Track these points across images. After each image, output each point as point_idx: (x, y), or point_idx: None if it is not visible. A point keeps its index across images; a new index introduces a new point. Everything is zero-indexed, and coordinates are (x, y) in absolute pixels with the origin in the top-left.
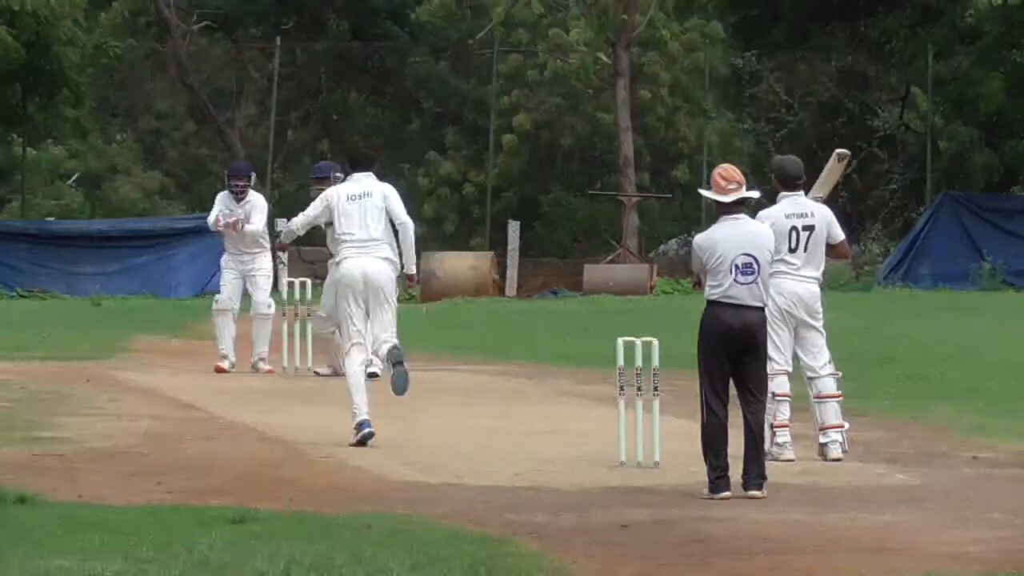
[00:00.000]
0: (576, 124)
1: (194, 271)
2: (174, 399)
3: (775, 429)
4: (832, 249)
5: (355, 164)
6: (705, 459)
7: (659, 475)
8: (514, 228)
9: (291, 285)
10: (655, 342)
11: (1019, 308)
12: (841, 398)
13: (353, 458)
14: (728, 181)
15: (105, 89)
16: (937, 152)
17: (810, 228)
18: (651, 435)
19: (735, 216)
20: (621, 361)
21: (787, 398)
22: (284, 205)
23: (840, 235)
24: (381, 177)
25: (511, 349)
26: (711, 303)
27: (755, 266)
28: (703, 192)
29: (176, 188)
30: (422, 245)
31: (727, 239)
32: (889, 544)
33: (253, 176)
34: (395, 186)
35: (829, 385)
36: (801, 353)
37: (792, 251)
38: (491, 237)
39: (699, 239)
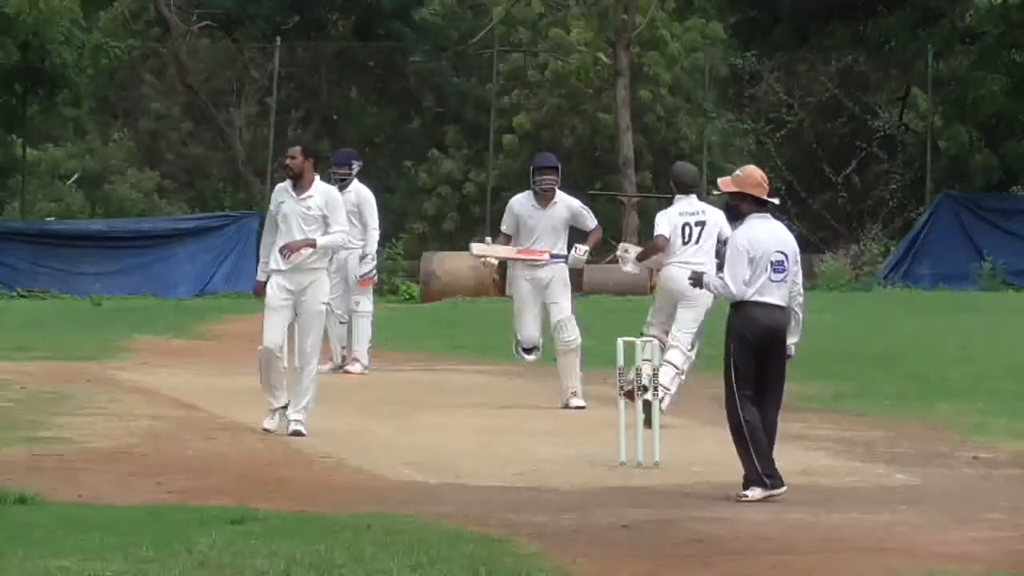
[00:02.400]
0: (576, 124)
1: (194, 271)
2: (174, 399)
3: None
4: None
5: None
6: (758, 460)
7: (659, 475)
8: None
9: None
10: (655, 342)
11: (1019, 308)
12: (682, 372)
13: (353, 458)
14: (765, 180)
15: (105, 89)
16: (937, 152)
17: (702, 224)
18: (651, 435)
19: (764, 215)
20: (621, 361)
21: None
22: None
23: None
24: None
25: (511, 349)
26: (745, 303)
27: (785, 264)
28: (748, 190)
29: (175, 188)
30: (422, 245)
31: (764, 237)
32: (889, 544)
33: (559, 168)
34: (396, 183)
35: (676, 356)
36: (674, 325)
37: (685, 244)
38: (491, 237)
39: (741, 238)
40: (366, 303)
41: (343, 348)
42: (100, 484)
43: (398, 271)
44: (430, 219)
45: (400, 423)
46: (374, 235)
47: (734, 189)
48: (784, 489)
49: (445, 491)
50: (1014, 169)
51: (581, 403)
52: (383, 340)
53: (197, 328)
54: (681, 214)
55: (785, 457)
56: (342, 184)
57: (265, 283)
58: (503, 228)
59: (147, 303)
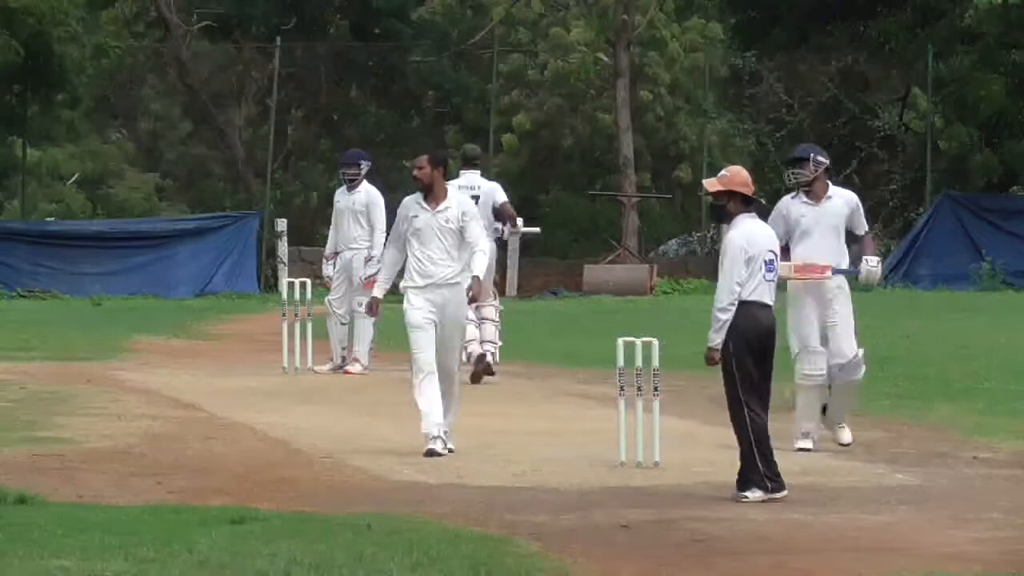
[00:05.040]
0: (576, 124)
1: (194, 271)
2: (174, 399)
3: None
4: (502, 210)
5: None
6: (763, 464)
7: (659, 475)
8: None
9: (291, 285)
10: (655, 342)
11: (1019, 308)
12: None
13: (353, 458)
14: (750, 180)
15: (105, 90)
16: (937, 152)
17: (476, 197)
18: (651, 435)
19: (751, 214)
20: (621, 361)
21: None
22: (285, 205)
23: (503, 198)
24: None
25: (511, 349)
26: (744, 303)
27: (775, 264)
28: (736, 188)
29: (175, 189)
30: None
31: (758, 235)
32: (889, 544)
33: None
34: (396, 183)
35: (493, 313)
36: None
37: None
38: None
39: (739, 238)
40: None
41: (343, 348)
42: (100, 484)
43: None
44: None
45: (400, 423)
46: (380, 237)
47: (721, 188)
48: (785, 493)
49: (445, 491)
50: (1014, 169)
51: (815, 443)
52: (384, 340)
53: (197, 328)
54: (460, 188)
55: (785, 457)
56: (351, 184)
57: (380, 300)
58: None
59: (147, 303)
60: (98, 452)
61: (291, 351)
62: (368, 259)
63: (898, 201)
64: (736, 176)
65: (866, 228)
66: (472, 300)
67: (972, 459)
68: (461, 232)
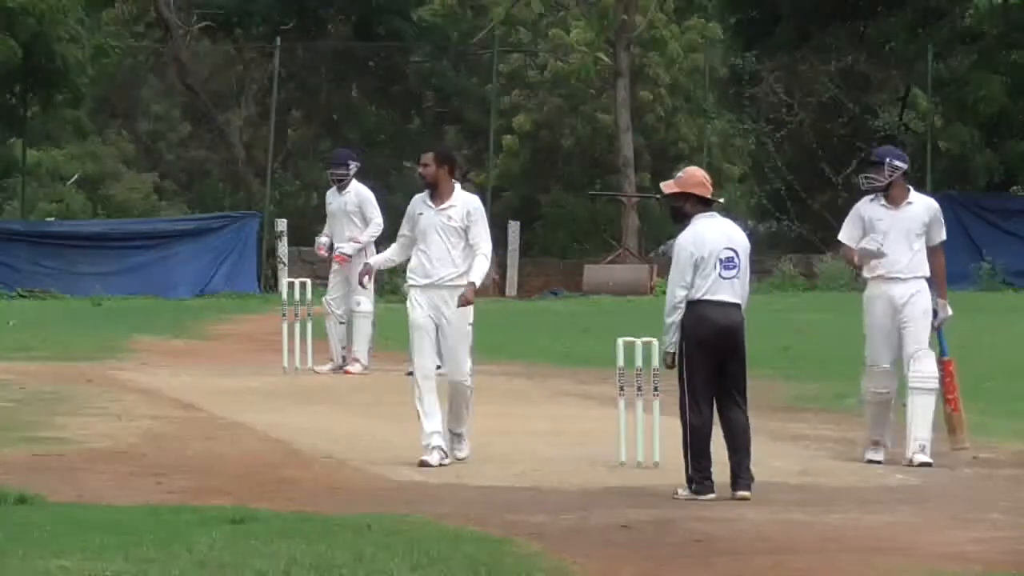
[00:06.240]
0: (576, 124)
1: (194, 271)
2: (174, 399)
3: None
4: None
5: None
6: (692, 462)
7: (659, 475)
8: (514, 228)
9: (291, 285)
10: (655, 342)
11: (1019, 308)
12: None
13: (353, 458)
14: (708, 179)
15: (104, 90)
16: (937, 152)
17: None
18: (651, 435)
19: (710, 214)
20: (621, 361)
21: None
22: (285, 206)
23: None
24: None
25: (511, 349)
26: (696, 302)
27: (736, 260)
28: (690, 190)
29: (175, 189)
30: None
31: (710, 235)
32: (889, 544)
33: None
34: (396, 183)
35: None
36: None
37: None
38: (491, 237)
39: (685, 238)
40: (366, 303)
41: (343, 348)
42: (100, 484)
43: (398, 270)
44: None
45: (400, 423)
46: (373, 228)
47: (676, 190)
48: (712, 496)
49: (445, 491)
50: (1014, 169)
51: (927, 459)
52: (383, 340)
53: (197, 328)
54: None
55: (785, 457)
56: (340, 185)
57: (371, 267)
58: (842, 238)
59: (147, 303)
60: (98, 452)
61: (291, 351)
62: (357, 247)
63: None
64: (691, 177)
65: (943, 238)
66: (463, 304)
67: (972, 459)
68: (465, 232)
